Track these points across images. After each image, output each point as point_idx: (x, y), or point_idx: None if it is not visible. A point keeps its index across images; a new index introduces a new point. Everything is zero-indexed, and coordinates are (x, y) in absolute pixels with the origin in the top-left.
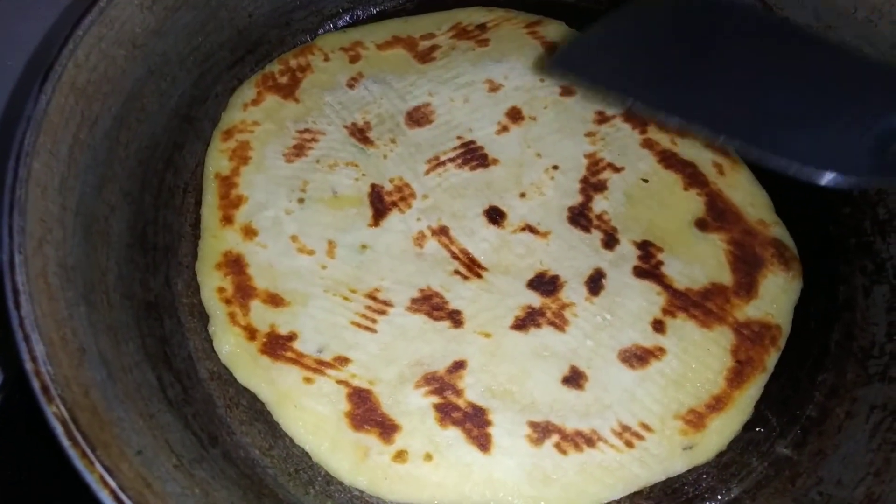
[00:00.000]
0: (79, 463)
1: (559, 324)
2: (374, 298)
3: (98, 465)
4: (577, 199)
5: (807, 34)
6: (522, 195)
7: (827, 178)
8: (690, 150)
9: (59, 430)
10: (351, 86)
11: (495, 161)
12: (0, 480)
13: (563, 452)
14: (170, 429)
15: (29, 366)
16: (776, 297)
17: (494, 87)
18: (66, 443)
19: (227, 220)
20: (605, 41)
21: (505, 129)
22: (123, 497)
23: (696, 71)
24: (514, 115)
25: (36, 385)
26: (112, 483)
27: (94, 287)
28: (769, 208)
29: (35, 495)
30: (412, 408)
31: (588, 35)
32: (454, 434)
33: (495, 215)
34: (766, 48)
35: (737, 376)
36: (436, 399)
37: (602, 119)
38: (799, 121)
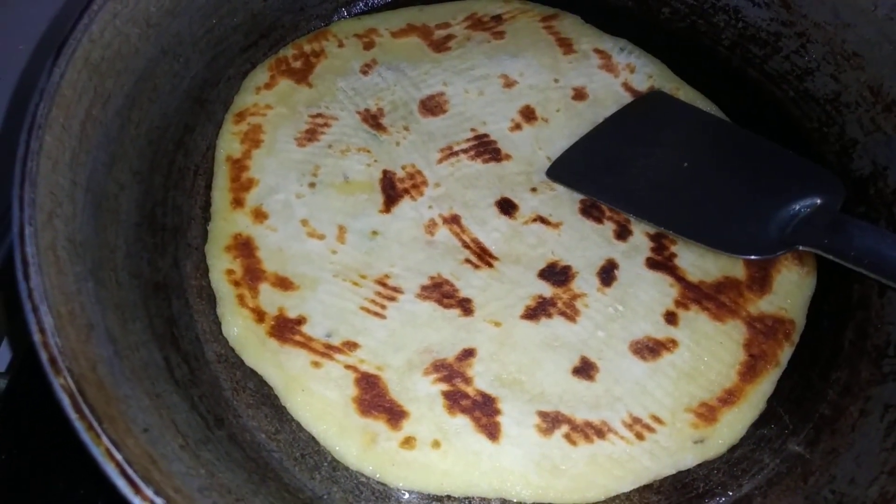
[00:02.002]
0: (85, 436)
1: (570, 314)
2: (383, 284)
3: (105, 438)
4: None
5: (743, 133)
6: (533, 190)
7: (744, 257)
8: None
9: (67, 401)
10: (365, 72)
11: (508, 157)
12: (8, 462)
13: (573, 443)
14: (176, 409)
15: (37, 337)
16: (790, 292)
17: (510, 83)
18: (73, 415)
19: (238, 202)
20: (581, 152)
21: (518, 126)
22: (130, 471)
23: (647, 175)
24: (528, 114)
25: (44, 356)
26: (118, 456)
27: (102, 264)
28: None
29: (42, 477)
30: (420, 394)
31: (571, 149)
32: (462, 422)
33: (507, 206)
34: (702, 146)
35: (749, 370)
36: (444, 386)
37: None
38: (725, 214)
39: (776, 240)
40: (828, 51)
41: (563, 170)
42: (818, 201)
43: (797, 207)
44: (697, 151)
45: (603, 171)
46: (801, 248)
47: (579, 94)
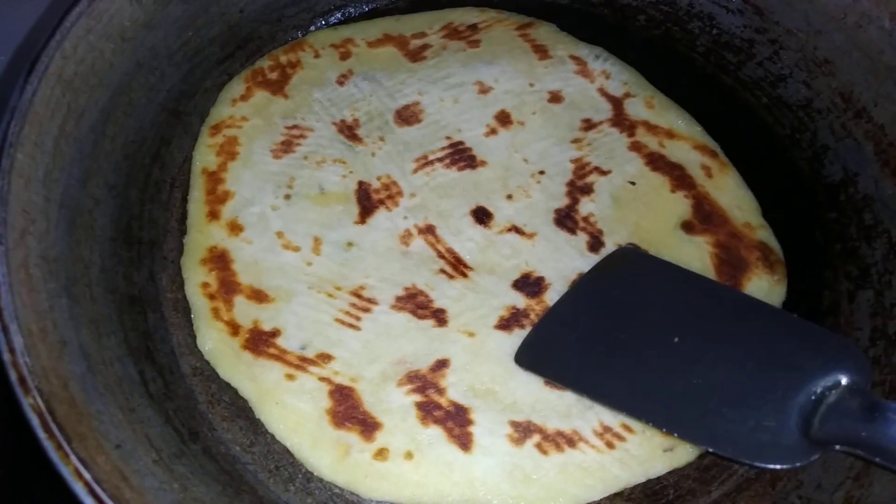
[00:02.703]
0: (54, 455)
1: None
2: (358, 296)
3: (73, 458)
4: (563, 201)
5: (736, 295)
6: (509, 197)
7: (772, 467)
8: (678, 152)
9: (35, 421)
10: (341, 83)
11: (483, 163)
12: None
13: (544, 452)
14: (150, 423)
15: (6, 357)
16: (760, 300)
17: (484, 90)
18: (41, 434)
19: (214, 215)
20: (550, 332)
21: (493, 131)
22: (98, 490)
23: (632, 356)
24: (503, 118)
25: (13, 376)
26: (87, 475)
27: (76, 280)
28: (756, 211)
29: (16, 488)
30: (394, 406)
31: (538, 328)
32: (435, 433)
33: (482, 215)
34: (692, 315)
35: None
36: (418, 397)
37: (589, 126)
38: (734, 406)
39: (802, 438)
40: (800, 57)
41: (534, 355)
42: (843, 381)
43: (819, 390)
44: (687, 322)
45: (580, 353)
46: (839, 448)
47: (555, 98)
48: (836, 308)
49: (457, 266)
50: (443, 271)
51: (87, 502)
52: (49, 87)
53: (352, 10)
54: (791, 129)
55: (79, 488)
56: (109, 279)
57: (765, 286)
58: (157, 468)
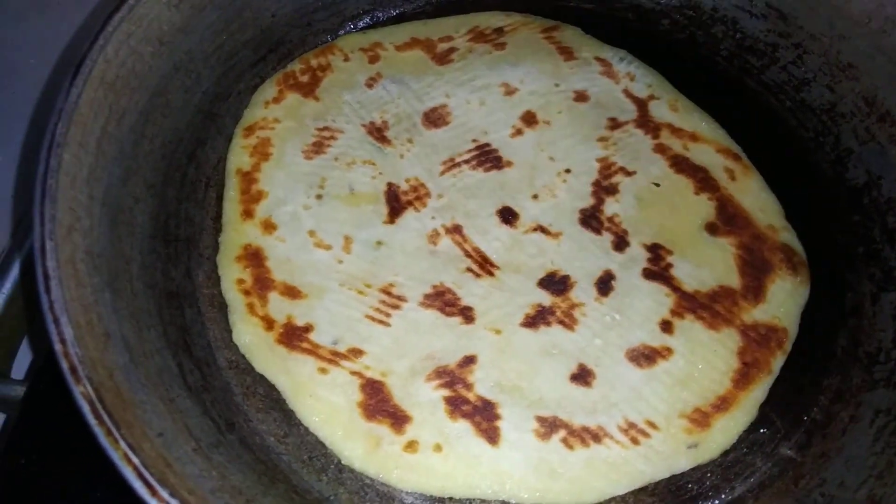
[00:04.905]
0: (104, 440)
1: (568, 322)
2: (388, 293)
3: (122, 443)
4: (588, 201)
5: None
6: (535, 197)
7: None
8: (702, 155)
9: (86, 408)
10: (370, 85)
11: (509, 163)
12: (27, 466)
13: (570, 447)
14: (189, 414)
15: (58, 347)
16: (783, 301)
17: (510, 91)
18: (92, 421)
19: (248, 214)
20: None
21: (519, 132)
22: (146, 474)
23: None
24: (529, 119)
25: (65, 366)
26: (136, 460)
27: (118, 275)
28: (779, 214)
29: (60, 480)
30: (423, 400)
31: None
32: (463, 426)
33: (508, 215)
34: None
35: (742, 378)
36: (446, 392)
37: (615, 125)
38: None
39: None
40: (824, 62)
41: None
42: None
43: None
44: None
45: None
46: None
47: (581, 97)
48: (859, 310)
49: (483, 265)
50: (470, 270)
51: (136, 486)
52: (93, 89)
53: (380, 14)
54: (814, 132)
55: (128, 472)
56: (149, 275)
57: (788, 287)
58: (196, 457)
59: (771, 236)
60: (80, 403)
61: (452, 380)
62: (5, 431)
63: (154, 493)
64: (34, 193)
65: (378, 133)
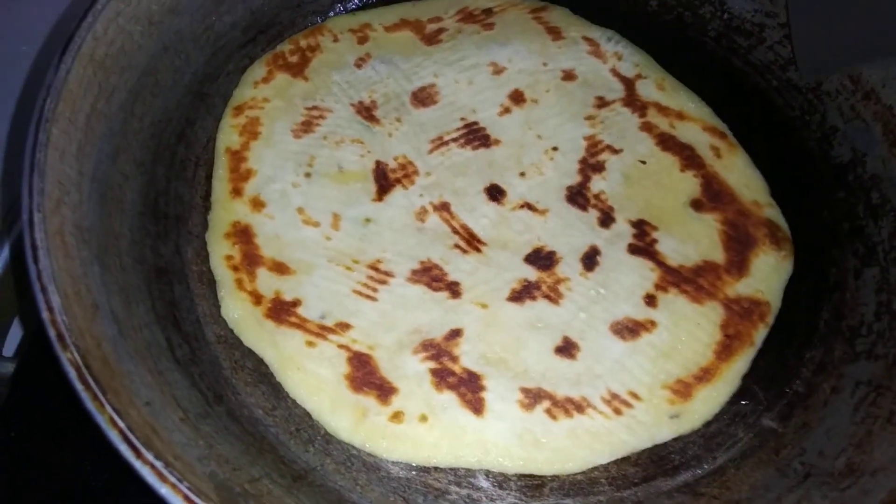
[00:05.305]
0: (90, 405)
1: (554, 297)
2: (375, 269)
3: (108, 408)
4: (575, 178)
5: None
6: (522, 174)
7: None
8: (688, 133)
9: (73, 374)
10: (359, 66)
11: (497, 142)
12: (17, 439)
13: (554, 418)
14: (177, 386)
15: (46, 315)
16: (767, 275)
17: (498, 70)
18: (79, 386)
19: (237, 192)
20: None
21: (507, 110)
22: (132, 437)
23: None
24: (517, 97)
25: (52, 333)
26: (121, 424)
27: (107, 250)
28: (764, 191)
29: (50, 452)
30: (409, 372)
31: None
32: (449, 398)
33: (495, 193)
34: None
35: (725, 349)
36: (432, 364)
37: (602, 104)
38: None
39: None
40: None
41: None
42: None
43: None
44: None
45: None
46: None
47: (568, 76)
48: (842, 284)
49: (471, 241)
50: (457, 246)
51: (121, 448)
52: (82, 66)
53: None
54: (800, 111)
55: (113, 435)
56: (138, 251)
57: (772, 261)
58: (184, 426)
59: (755, 212)
60: (67, 369)
61: (438, 352)
62: None
63: (139, 454)
64: (23, 166)
65: (367, 112)
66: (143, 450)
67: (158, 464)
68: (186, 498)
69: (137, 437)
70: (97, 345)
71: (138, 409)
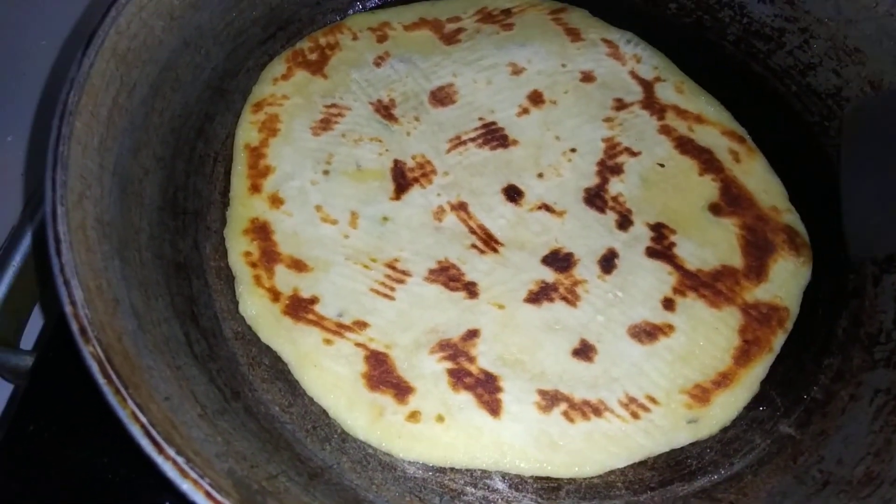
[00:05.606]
0: (112, 399)
1: (571, 299)
2: (393, 268)
3: (130, 402)
4: (593, 180)
5: None
6: (540, 175)
7: None
8: (707, 137)
9: (95, 367)
10: (378, 64)
11: (515, 142)
12: (36, 432)
13: (571, 420)
14: (195, 381)
15: (68, 308)
16: (785, 281)
17: (517, 71)
18: (101, 380)
19: (255, 188)
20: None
21: (526, 111)
22: (153, 432)
23: None
24: (536, 98)
25: (74, 327)
26: (143, 419)
27: (127, 244)
28: (783, 196)
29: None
30: (426, 372)
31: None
32: (466, 398)
33: (513, 193)
34: None
35: (743, 355)
36: (449, 364)
37: (621, 106)
38: None
39: None
40: (830, 46)
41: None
42: None
43: None
44: None
45: None
46: None
47: (587, 77)
48: (861, 291)
49: (488, 241)
50: (474, 246)
51: (142, 443)
52: (105, 60)
53: None
54: (820, 116)
55: (135, 430)
56: (157, 245)
57: (790, 268)
58: (202, 422)
59: (774, 217)
60: (90, 363)
61: (455, 353)
62: (15, 399)
63: (161, 450)
64: (46, 160)
65: (385, 111)
66: (164, 445)
67: (180, 459)
68: (208, 494)
69: (159, 431)
70: (118, 339)
71: (158, 405)
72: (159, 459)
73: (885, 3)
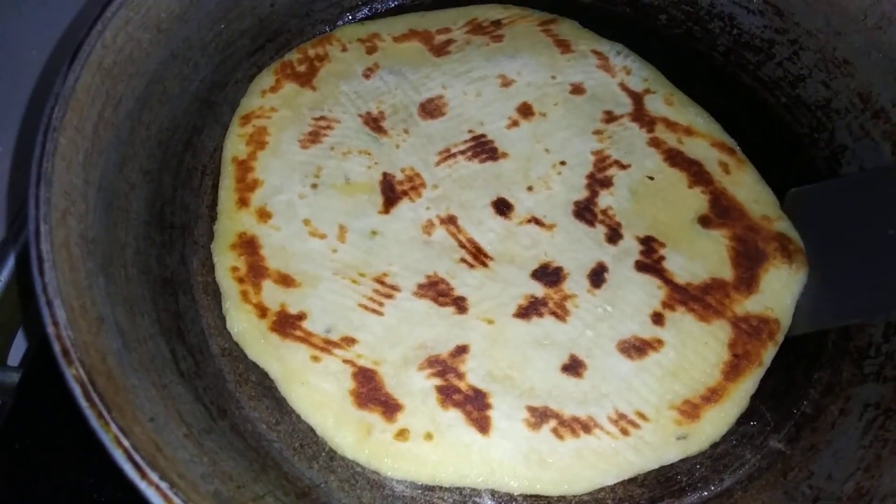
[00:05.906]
0: (95, 423)
1: (560, 314)
2: (381, 283)
3: (113, 426)
4: (583, 193)
5: None
6: (530, 188)
7: None
8: (697, 149)
9: (78, 390)
10: (367, 76)
11: (504, 154)
12: (21, 451)
13: (560, 437)
14: (181, 400)
15: (51, 329)
16: (777, 292)
17: (507, 83)
18: (83, 404)
19: (243, 202)
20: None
21: (515, 123)
22: (137, 457)
23: None
24: (525, 110)
25: (57, 348)
26: (126, 443)
27: (112, 260)
28: (774, 205)
29: (53, 465)
30: (415, 388)
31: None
32: (454, 415)
33: (502, 207)
34: None
35: (733, 370)
36: (438, 381)
37: (610, 118)
38: None
39: None
40: (819, 58)
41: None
42: None
43: None
44: None
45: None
46: None
47: (577, 89)
48: None
49: (477, 255)
50: (463, 260)
51: (125, 468)
52: (90, 74)
53: (378, 6)
54: (809, 128)
55: (118, 455)
56: (143, 261)
57: (783, 277)
58: (187, 442)
59: (765, 226)
60: (72, 386)
61: (444, 369)
62: (0, 417)
63: (144, 475)
64: (30, 176)
65: (374, 123)
66: (147, 470)
67: (163, 485)
68: None
69: (143, 455)
70: (102, 359)
71: (142, 426)
72: (142, 485)
73: (873, 15)
